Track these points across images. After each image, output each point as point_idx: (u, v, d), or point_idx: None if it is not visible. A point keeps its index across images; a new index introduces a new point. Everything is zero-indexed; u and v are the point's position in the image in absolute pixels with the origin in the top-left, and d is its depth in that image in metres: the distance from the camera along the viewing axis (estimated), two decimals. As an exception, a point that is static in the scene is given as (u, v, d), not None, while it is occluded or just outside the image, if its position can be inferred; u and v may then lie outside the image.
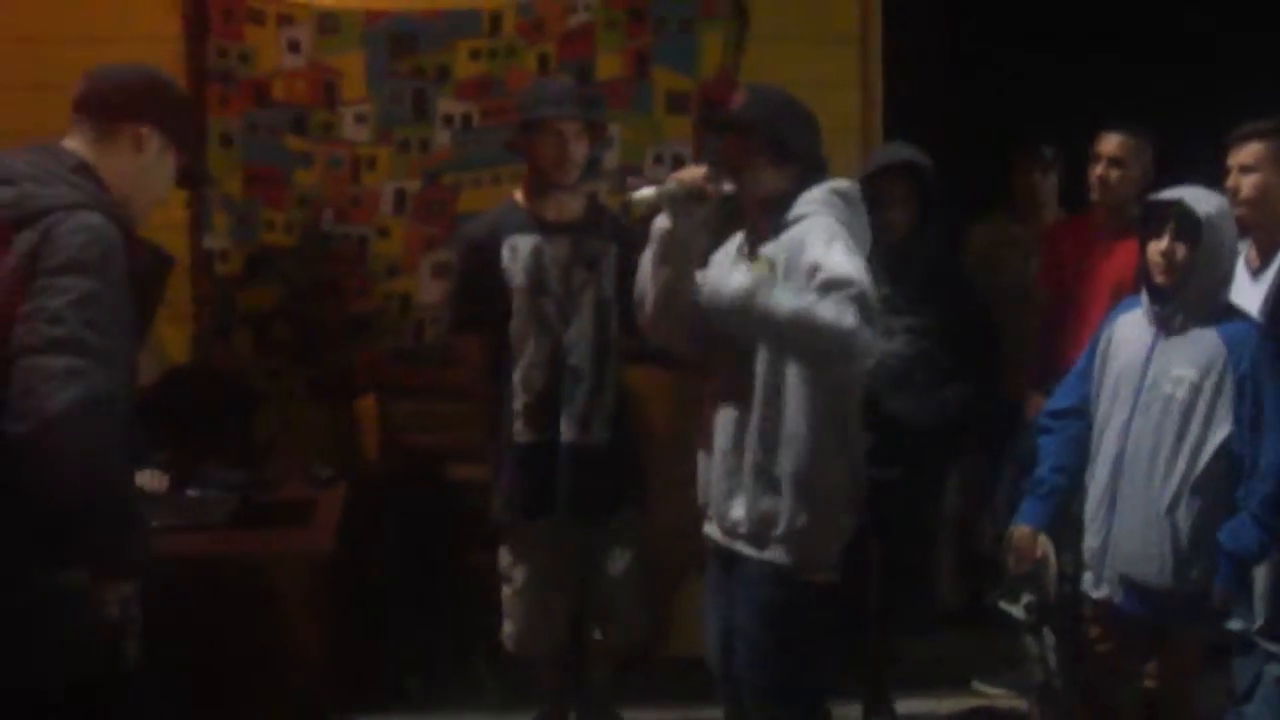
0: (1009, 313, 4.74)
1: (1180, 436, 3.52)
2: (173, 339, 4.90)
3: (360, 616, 4.52)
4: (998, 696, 4.89)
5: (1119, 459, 3.61)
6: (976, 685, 4.94)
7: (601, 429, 4.14)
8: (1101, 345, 3.74)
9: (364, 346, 5.05)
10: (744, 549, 3.42)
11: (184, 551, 3.88)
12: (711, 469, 3.50)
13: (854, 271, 3.15)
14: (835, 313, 3.08)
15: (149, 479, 4.12)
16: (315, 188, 5.05)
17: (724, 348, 3.43)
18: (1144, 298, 3.65)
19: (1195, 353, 3.51)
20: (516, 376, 4.11)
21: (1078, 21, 6.41)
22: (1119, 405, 3.64)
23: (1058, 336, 4.65)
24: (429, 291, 5.06)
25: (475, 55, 5.06)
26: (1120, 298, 4.03)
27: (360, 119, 5.05)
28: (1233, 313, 3.60)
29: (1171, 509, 3.52)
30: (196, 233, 4.99)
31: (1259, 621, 4.01)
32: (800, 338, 3.16)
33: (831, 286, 3.11)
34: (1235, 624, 4.04)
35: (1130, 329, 3.67)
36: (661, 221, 3.43)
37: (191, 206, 4.96)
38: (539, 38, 5.06)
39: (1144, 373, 3.59)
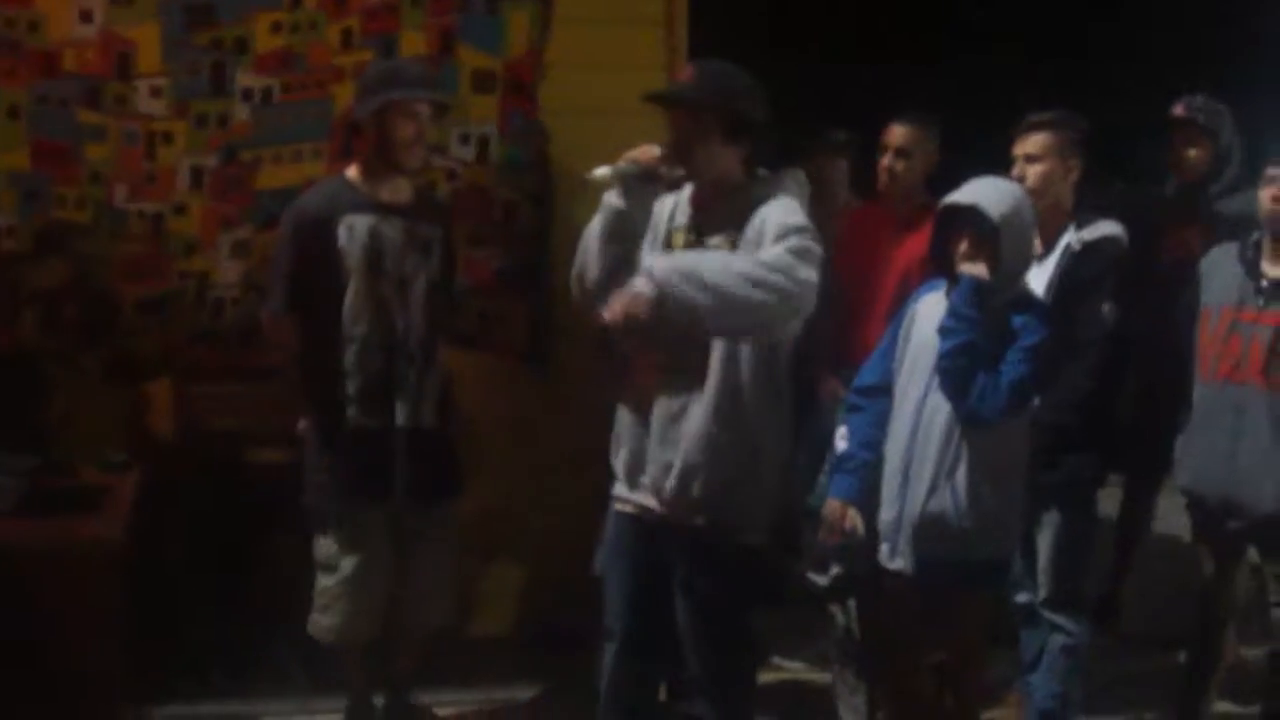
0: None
1: None
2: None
3: (156, 604, 4.41)
4: (797, 670, 5.01)
5: (914, 434, 3.72)
6: (775, 660, 5.05)
7: (431, 413, 4.12)
8: (904, 323, 3.84)
9: (159, 327, 4.91)
10: (696, 519, 3.49)
11: (-34, 541, 3.76)
12: (639, 436, 3.55)
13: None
14: (790, 261, 3.27)
15: (-69, 465, 3.97)
16: (108, 163, 4.87)
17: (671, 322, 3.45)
18: (946, 283, 3.75)
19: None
20: (350, 359, 4.03)
21: (888, 12, 6.56)
22: (915, 382, 3.74)
23: (850, 322, 4.76)
24: (227, 271, 4.94)
25: (276, 28, 4.95)
26: (909, 284, 4.15)
27: (155, 92, 4.89)
28: (1025, 301, 3.72)
29: (958, 482, 3.65)
30: (-20, 208, 4.80)
31: (1043, 594, 4.20)
32: (756, 289, 3.25)
33: (788, 233, 3.31)
34: (1021, 597, 4.22)
35: (931, 309, 3.76)
36: (612, 199, 3.48)
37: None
38: (341, 12, 4.96)
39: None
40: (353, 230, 4.03)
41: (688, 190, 3.59)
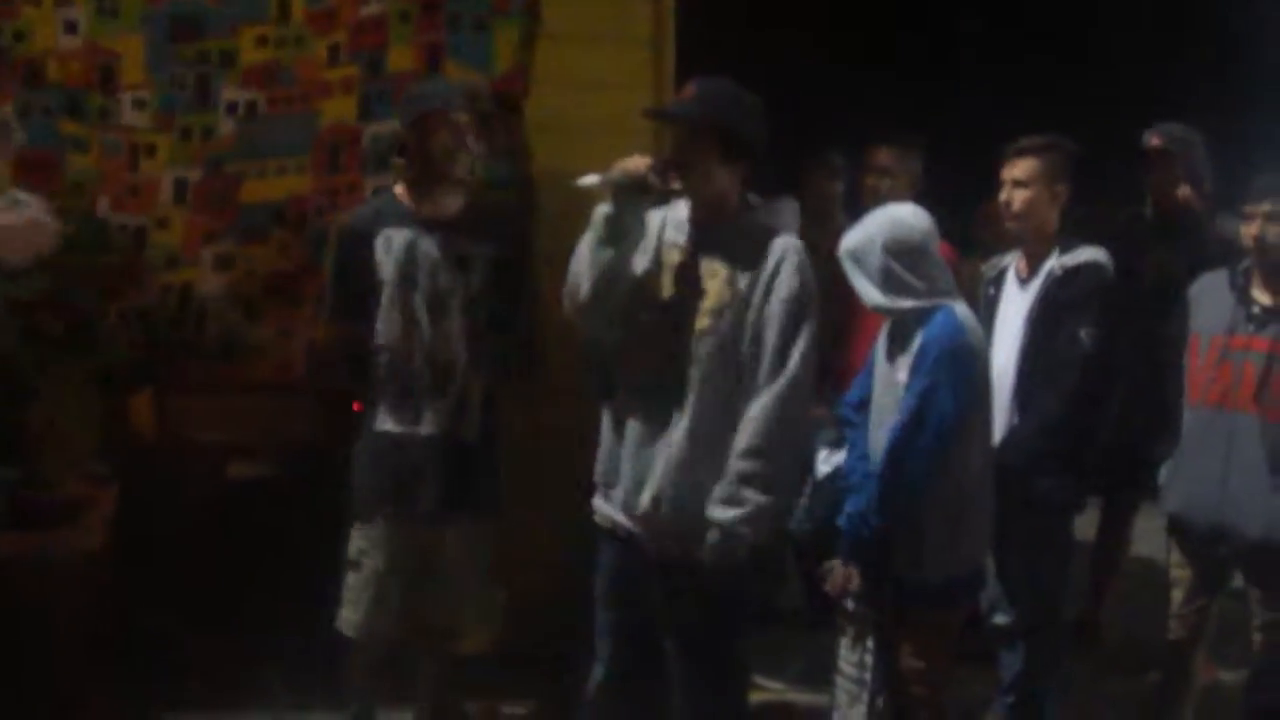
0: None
1: None
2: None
3: (135, 618, 4.38)
4: (780, 691, 5.00)
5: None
6: (759, 680, 5.04)
7: (468, 426, 4.16)
8: (879, 339, 3.87)
9: (141, 339, 4.89)
10: (666, 542, 3.48)
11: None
12: (620, 454, 3.55)
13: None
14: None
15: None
16: (91, 174, 4.86)
17: (650, 342, 3.50)
18: None
19: (907, 360, 3.65)
20: (380, 369, 4.12)
21: (876, 29, 6.57)
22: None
23: (836, 346, 4.74)
24: (209, 283, 4.92)
25: (262, 42, 4.93)
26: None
27: (139, 104, 4.88)
28: (936, 313, 3.66)
29: None
30: (-40, 218, 4.75)
31: (1019, 616, 4.20)
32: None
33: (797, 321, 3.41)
34: (999, 618, 4.22)
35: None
36: (604, 209, 3.48)
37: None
38: (329, 27, 4.95)
39: (887, 374, 3.74)
40: (390, 243, 4.11)
41: (680, 206, 3.59)
